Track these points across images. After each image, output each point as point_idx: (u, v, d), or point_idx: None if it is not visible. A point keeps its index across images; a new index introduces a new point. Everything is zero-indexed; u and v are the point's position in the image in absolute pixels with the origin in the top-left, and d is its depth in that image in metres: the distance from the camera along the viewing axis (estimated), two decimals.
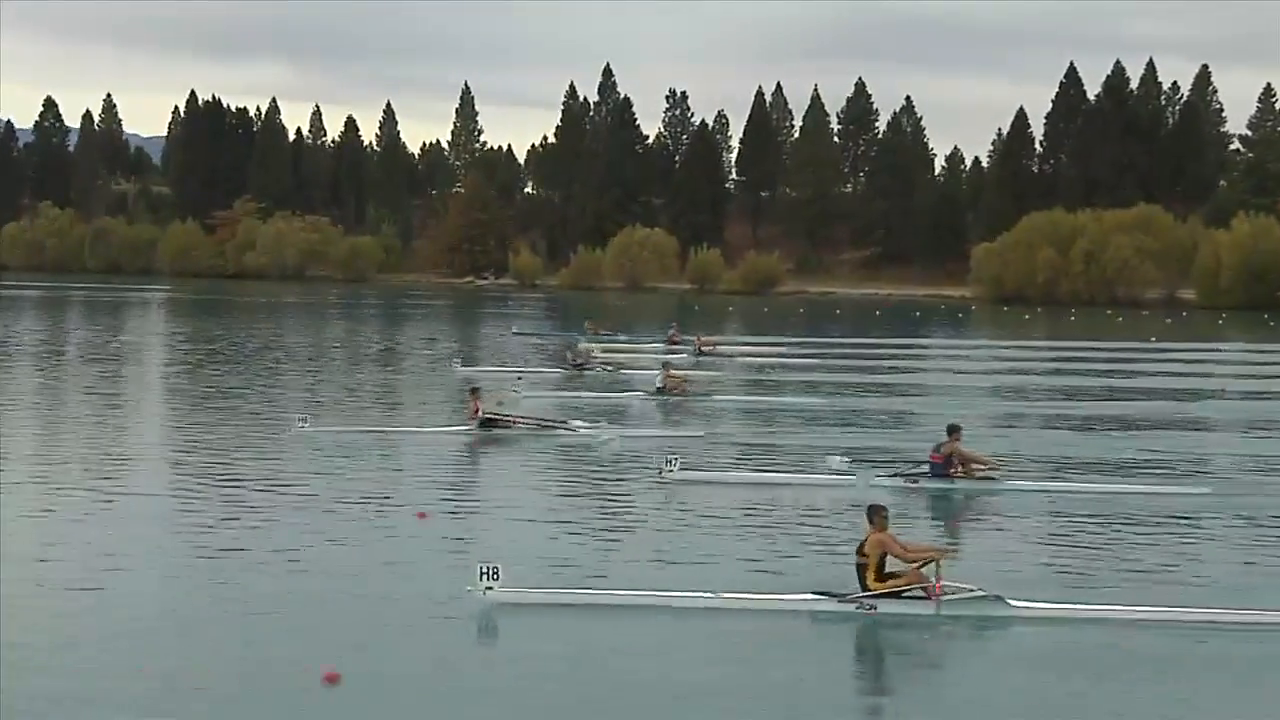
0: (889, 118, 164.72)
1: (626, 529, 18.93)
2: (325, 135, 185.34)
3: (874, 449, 26.23)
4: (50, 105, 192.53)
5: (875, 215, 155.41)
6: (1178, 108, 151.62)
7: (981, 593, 14.26)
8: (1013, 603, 14.23)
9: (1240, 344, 68.70)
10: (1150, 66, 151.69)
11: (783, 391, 39.28)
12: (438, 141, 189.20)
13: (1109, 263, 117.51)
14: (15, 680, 11.68)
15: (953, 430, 22.61)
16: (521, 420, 28.47)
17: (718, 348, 53.50)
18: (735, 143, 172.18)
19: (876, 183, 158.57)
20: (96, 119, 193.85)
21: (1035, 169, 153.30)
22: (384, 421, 30.37)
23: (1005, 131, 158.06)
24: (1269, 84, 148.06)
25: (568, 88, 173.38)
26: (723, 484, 22.30)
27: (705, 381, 40.20)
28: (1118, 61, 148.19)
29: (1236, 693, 12.42)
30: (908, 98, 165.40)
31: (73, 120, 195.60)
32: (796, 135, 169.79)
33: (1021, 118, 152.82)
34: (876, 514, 14.75)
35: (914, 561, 14.45)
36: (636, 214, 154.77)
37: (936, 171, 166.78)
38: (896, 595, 14.30)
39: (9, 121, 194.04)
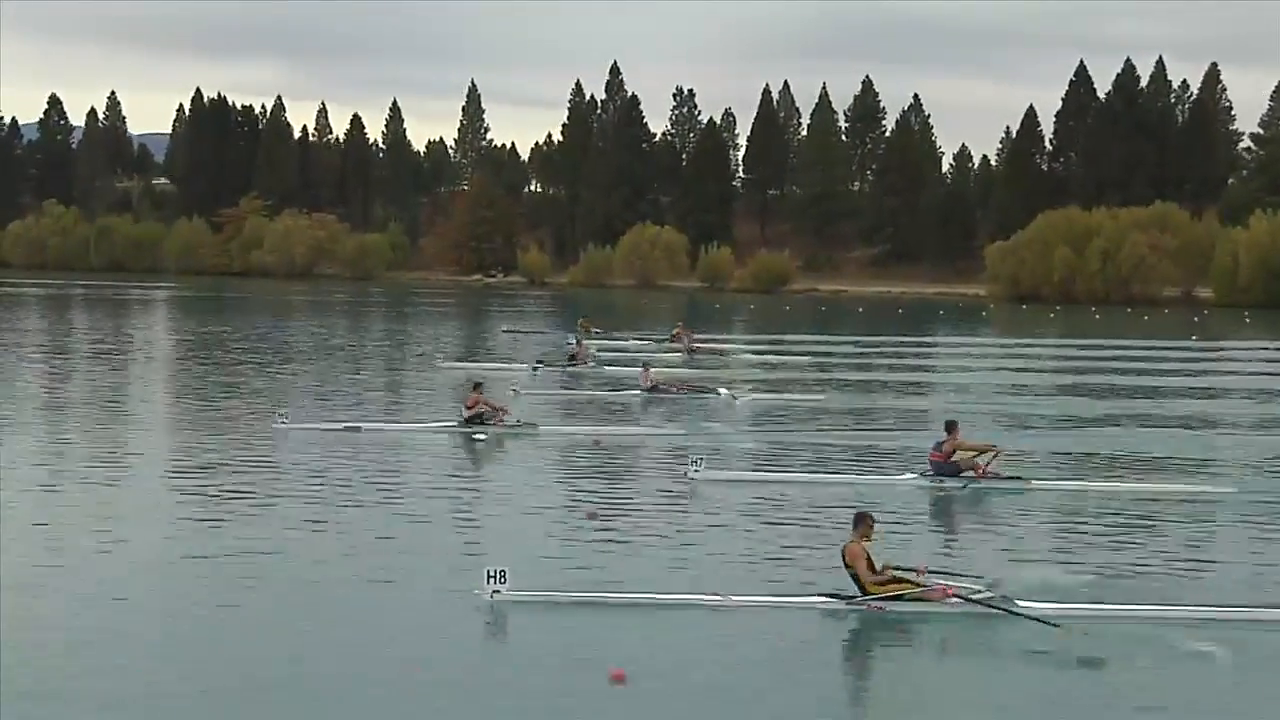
0: (896, 116, 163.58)
1: (638, 529, 18.52)
2: (331, 133, 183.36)
3: (919, 450, 24.77)
4: (55, 103, 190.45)
5: (884, 213, 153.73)
6: (1187, 106, 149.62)
7: (989, 594, 14.16)
8: (1021, 604, 14.08)
9: None
10: (1159, 65, 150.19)
11: (785, 391, 38.40)
12: (441, 140, 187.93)
13: (1125, 261, 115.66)
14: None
15: (951, 427, 22.34)
16: (504, 418, 27.64)
17: (708, 345, 53.08)
18: (742, 141, 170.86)
19: (885, 181, 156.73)
20: (101, 117, 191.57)
21: (1045, 168, 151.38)
22: (367, 417, 29.33)
23: (1013, 131, 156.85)
24: None
25: (574, 86, 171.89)
26: (747, 483, 21.86)
27: (703, 379, 39.43)
28: (1128, 60, 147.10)
29: (1250, 690, 12.27)
30: (915, 96, 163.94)
31: (77, 118, 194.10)
32: (804, 134, 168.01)
33: (1031, 116, 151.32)
34: (861, 522, 14.54)
35: (872, 582, 14.16)
36: (644, 212, 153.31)
37: (944, 170, 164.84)
38: (904, 598, 14.15)
39: (13, 119, 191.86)
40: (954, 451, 21.92)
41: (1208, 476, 23.73)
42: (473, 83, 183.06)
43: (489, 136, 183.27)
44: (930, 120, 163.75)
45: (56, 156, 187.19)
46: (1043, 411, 34.10)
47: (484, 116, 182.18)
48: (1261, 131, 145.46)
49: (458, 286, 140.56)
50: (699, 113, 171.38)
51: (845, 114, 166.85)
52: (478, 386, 28.39)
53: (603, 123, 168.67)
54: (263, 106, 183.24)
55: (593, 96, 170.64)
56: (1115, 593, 15.04)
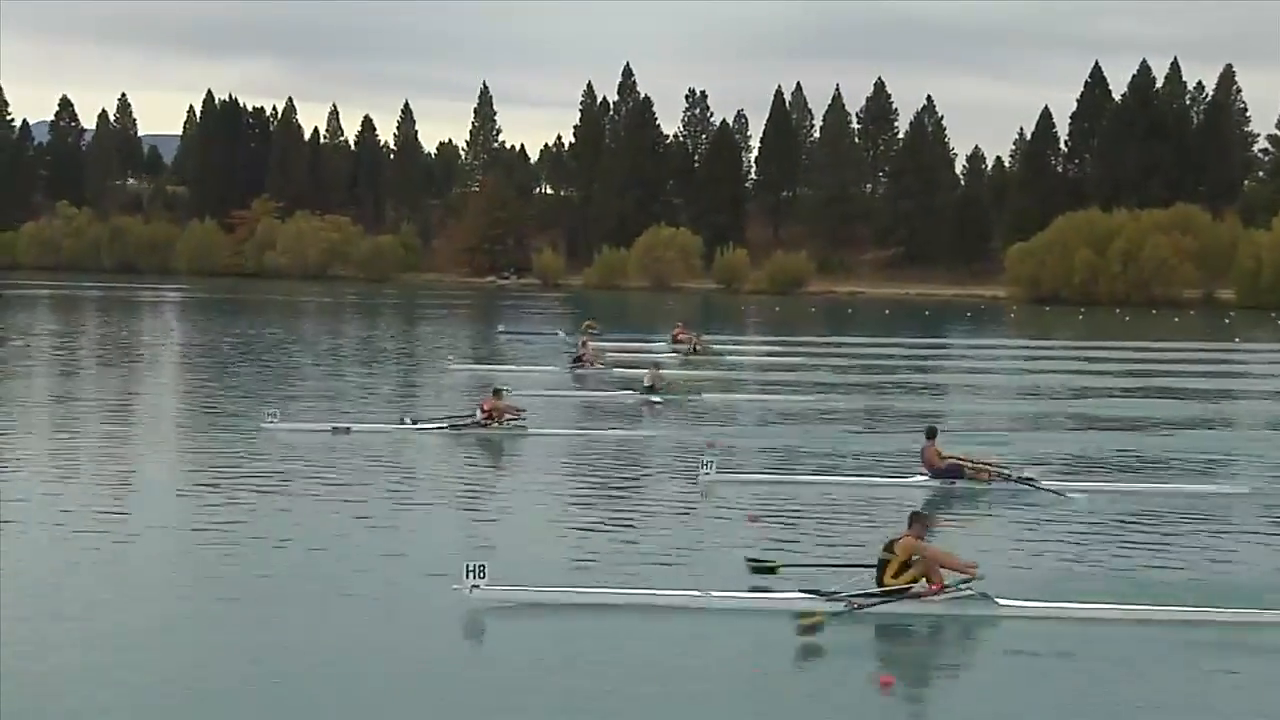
0: (909, 118, 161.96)
1: (637, 526, 18.39)
2: (342, 135, 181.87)
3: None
4: (65, 104, 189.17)
5: (898, 215, 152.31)
6: (1202, 108, 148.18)
7: (969, 592, 14.03)
8: (1000, 602, 13.99)
9: None
10: (1174, 66, 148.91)
11: (785, 391, 37.86)
12: (450, 141, 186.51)
13: (1147, 263, 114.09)
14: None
15: (931, 433, 22.26)
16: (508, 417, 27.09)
17: (711, 346, 52.32)
18: (754, 142, 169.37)
19: (900, 183, 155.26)
20: (112, 118, 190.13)
21: (1060, 169, 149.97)
22: (359, 417, 28.77)
23: (1026, 132, 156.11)
24: None
25: (585, 88, 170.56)
26: (758, 484, 21.55)
27: (699, 380, 38.93)
28: (1144, 61, 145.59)
29: (1244, 691, 12.08)
30: (929, 97, 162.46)
31: (87, 119, 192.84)
32: (816, 135, 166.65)
33: (1046, 118, 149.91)
34: (918, 521, 14.57)
35: (949, 568, 14.16)
36: (657, 214, 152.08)
37: (957, 171, 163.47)
38: (885, 594, 14.04)
39: (24, 121, 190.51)
40: (935, 457, 21.72)
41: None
42: (484, 84, 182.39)
43: (501, 138, 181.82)
44: (944, 122, 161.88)
45: (67, 157, 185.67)
46: (1127, 414, 33.20)
47: (495, 118, 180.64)
48: (1278, 132, 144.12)
49: (471, 288, 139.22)
50: (711, 114, 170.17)
51: (858, 115, 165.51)
52: (498, 393, 27.83)
53: (615, 124, 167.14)
54: (274, 108, 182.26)
55: (605, 98, 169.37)
56: (1105, 593, 14.66)
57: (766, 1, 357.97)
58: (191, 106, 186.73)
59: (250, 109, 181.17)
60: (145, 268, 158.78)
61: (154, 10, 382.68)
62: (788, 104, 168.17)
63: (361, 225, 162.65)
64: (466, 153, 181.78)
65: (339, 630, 13.16)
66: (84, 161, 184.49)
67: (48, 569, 15.38)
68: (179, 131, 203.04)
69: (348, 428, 26.35)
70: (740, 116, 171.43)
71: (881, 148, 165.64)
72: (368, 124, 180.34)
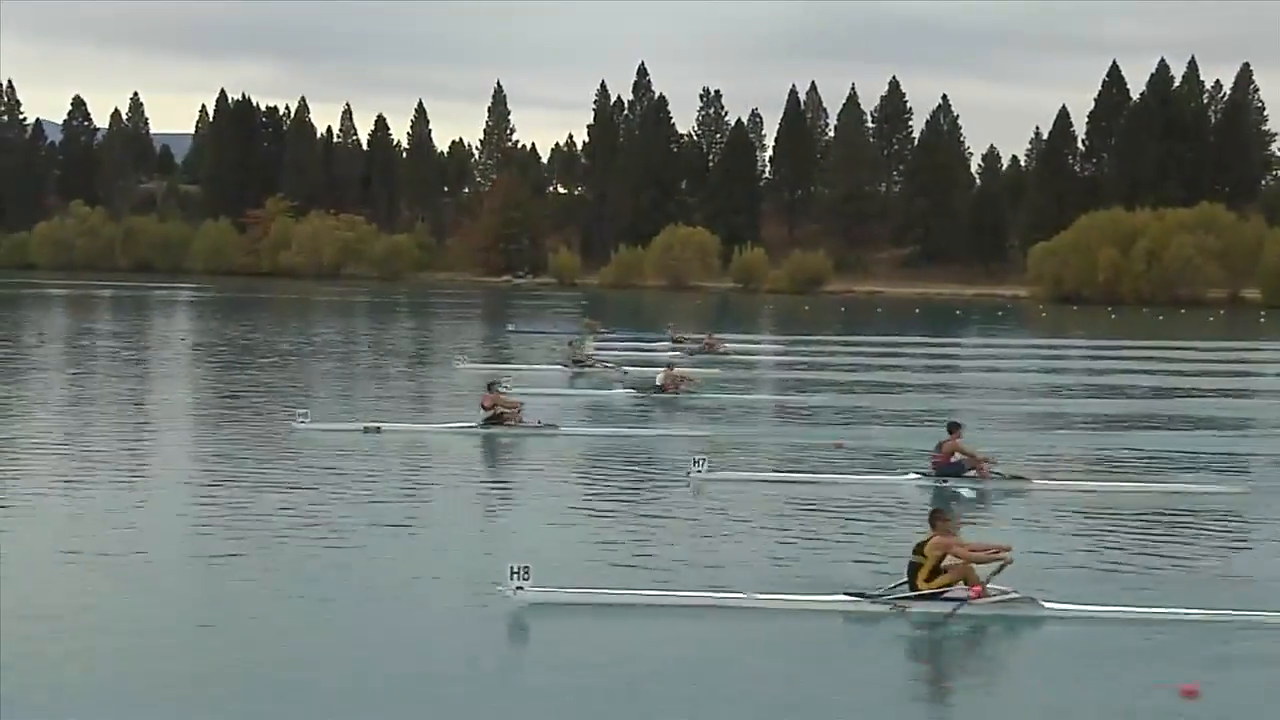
0: (925, 117, 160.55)
1: (654, 528, 18.07)
2: (355, 134, 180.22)
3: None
4: (79, 104, 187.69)
5: (914, 214, 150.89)
6: (1220, 107, 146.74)
7: (1015, 594, 13.80)
8: (1046, 604, 13.77)
9: None
10: (1192, 65, 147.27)
11: (785, 390, 37.79)
12: (461, 140, 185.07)
13: (1171, 262, 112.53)
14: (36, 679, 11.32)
15: (953, 428, 21.89)
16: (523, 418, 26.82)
17: (723, 345, 51.01)
18: (768, 142, 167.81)
19: (916, 182, 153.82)
20: (124, 118, 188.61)
21: (1078, 169, 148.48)
22: (389, 417, 28.45)
23: (1042, 131, 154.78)
24: None
25: (599, 87, 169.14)
26: (751, 483, 21.39)
27: (711, 380, 38.21)
28: (1161, 60, 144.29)
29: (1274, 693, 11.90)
30: (944, 96, 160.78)
31: (99, 119, 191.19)
32: (830, 134, 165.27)
33: (1064, 117, 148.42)
34: (938, 518, 14.36)
35: (979, 561, 13.96)
36: (672, 213, 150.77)
37: (973, 171, 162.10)
38: (929, 596, 13.82)
39: (37, 120, 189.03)
40: (953, 452, 21.42)
41: None
42: (498, 84, 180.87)
43: (515, 138, 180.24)
44: (959, 121, 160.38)
45: (81, 157, 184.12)
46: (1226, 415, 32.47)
47: (509, 118, 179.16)
48: None
49: (486, 288, 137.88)
50: (726, 113, 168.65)
51: (872, 115, 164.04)
52: (491, 386, 27.87)
53: (629, 123, 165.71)
54: (286, 107, 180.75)
55: (619, 97, 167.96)
56: (1142, 594, 14.50)
57: (778, 2, 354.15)
58: (204, 106, 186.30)
59: (263, 109, 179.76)
60: (160, 267, 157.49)
61: (163, 10, 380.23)
62: (802, 103, 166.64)
63: (375, 225, 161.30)
64: (481, 151, 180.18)
65: (384, 630, 12.99)
66: (97, 161, 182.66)
67: (91, 573, 15.00)
68: (188, 130, 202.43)
69: (378, 427, 26.27)
70: (755, 116, 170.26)
71: (896, 147, 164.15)
72: (381, 123, 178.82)
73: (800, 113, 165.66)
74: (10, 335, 54.98)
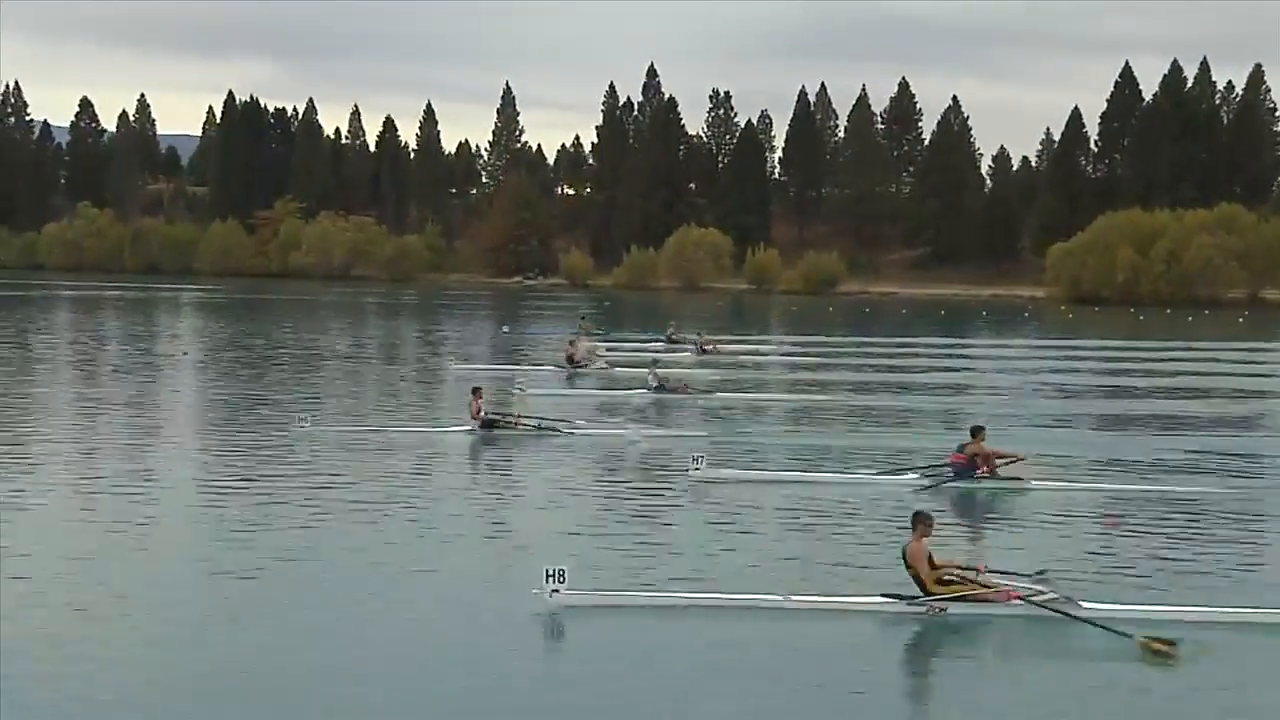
0: (934, 118, 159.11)
1: (672, 529, 17.88)
2: (363, 135, 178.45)
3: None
4: (86, 105, 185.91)
5: (925, 215, 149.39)
6: (1232, 107, 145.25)
7: (1053, 595, 13.77)
8: (1084, 605, 13.65)
9: None
10: (1204, 66, 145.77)
11: (783, 390, 37.59)
12: (466, 142, 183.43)
13: (1191, 263, 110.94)
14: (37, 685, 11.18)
15: (976, 431, 21.53)
16: (522, 420, 26.98)
17: (718, 347, 50.40)
18: (779, 142, 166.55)
19: (927, 183, 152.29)
20: (132, 119, 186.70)
21: (1090, 170, 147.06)
22: (389, 420, 28.47)
23: (1053, 133, 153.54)
24: None
25: (607, 88, 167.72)
26: (750, 482, 21.15)
27: (707, 380, 38.07)
28: (1174, 61, 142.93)
29: None
30: (954, 97, 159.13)
31: (106, 120, 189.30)
32: (840, 135, 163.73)
33: (1076, 118, 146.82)
34: (920, 521, 14.12)
35: (939, 580, 13.81)
36: (682, 214, 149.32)
37: (983, 172, 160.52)
38: (967, 599, 13.73)
39: (45, 122, 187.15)
40: (974, 455, 21.13)
41: None
42: (507, 84, 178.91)
43: (524, 139, 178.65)
44: (969, 122, 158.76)
45: (88, 159, 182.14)
46: None
47: (518, 119, 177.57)
48: None
49: (496, 289, 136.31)
50: (735, 114, 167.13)
51: (881, 116, 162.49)
52: (477, 391, 27.27)
53: (639, 124, 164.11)
54: (294, 109, 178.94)
55: (629, 98, 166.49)
56: (1172, 594, 14.40)
57: (786, 2, 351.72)
58: (211, 107, 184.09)
59: (271, 110, 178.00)
60: (168, 269, 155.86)
61: (168, 11, 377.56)
62: (811, 104, 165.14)
63: (384, 226, 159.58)
64: (489, 152, 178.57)
65: (421, 633, 12.91)
66: (105, 162, 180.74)
67: (106, 575, 14.79)
68: (193, 131, 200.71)
69: (376, 430, 26.15)
70: (764, 116, 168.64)
71: (905, 148, 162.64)
72: (389, 124, 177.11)
73: (810, 113, 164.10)
74: (24, 336, 54.45)
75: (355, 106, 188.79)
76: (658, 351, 47.07)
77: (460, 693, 11.31)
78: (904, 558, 14.00)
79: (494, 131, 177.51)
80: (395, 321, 76.85)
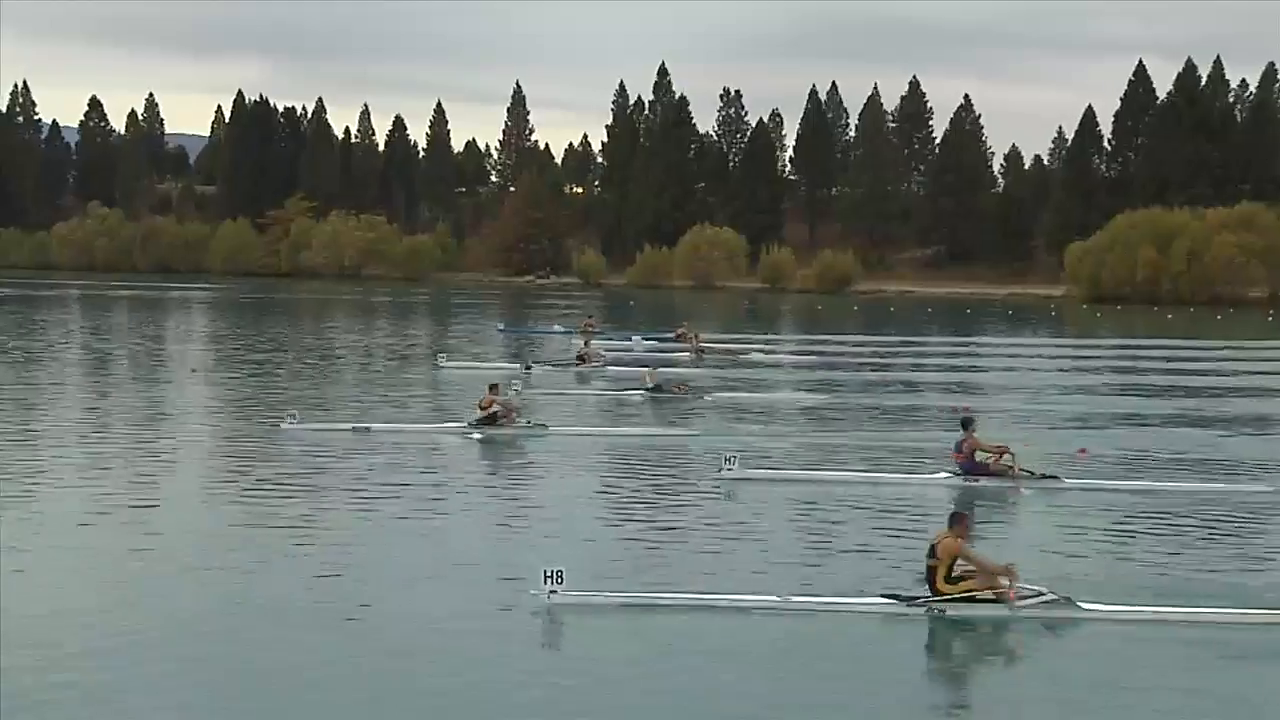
0: (943, 117, 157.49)
1: (681, 528, 17.72)
2: (373, 134, 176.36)
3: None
4: (95, 105, 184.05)
5: (939, 214, 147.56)
6: (1246, 105, 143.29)
7: (1052, 596, 13.65)
8: (1083, 605, 13.58)
9: None
10: (1217, 64, 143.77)
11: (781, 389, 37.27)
12: (474, 141, 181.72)
13: (1213, 262, 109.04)
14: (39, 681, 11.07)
15: (966, 424, 21.53)
16: (516, 418, 26.52)
17: (716, 346, 49.98)
18: (789, 142, 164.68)
19: (941, 182, 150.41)
20: (140, 119, 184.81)
21: (1104, 169, 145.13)
22: (377, 417, 27.84)
23: (1063, 131, 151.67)
24: None
25: (617, 88, 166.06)
26: (781, 482, 20.90)
27: (704, 380, 38.08)
28: (1189, 60, 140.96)
29: None
30: (966, 96, 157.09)
31: (115, 120, 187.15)
32: (851, 135, 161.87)
33: (1090, 117, 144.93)
34: (958, 521, 14.12)
35: (983, 573, 13.75)
36: (693, 213, 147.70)
37: (995, 171, 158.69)
38: (967, 599, 13.59)
39: (54, 121, 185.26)
40: (974, 450, 21.01)
41: None
42: (517, 84, 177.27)
43: (534, 138, 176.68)
44: (981, 120, 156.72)
45: (98, 158, 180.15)
46: None
47: (529, 118, 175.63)
48: None
49: (510, 288, 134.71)
50: (746, 114, 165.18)
51: (892, 115, 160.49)
52: (494, 387, 27.13)
53: (649, 123, 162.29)
54: (303, 108, 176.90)
55: (640, 97, 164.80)
56: (1175, 596, 14.23)
57: (793, 2, 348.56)
58: (219, 107, 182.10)
59: (281, 109, 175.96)
60: (179, 268, 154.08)
61: (176, 11, 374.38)
62: (823, 104, 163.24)
63: (394, 225, 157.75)
64: (500, 152, 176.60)
65: (417, 633, 12.73)
66: (114, 162, 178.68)
67: (88, 578, 14.55)
68: (199, 131, 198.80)
69: (367, 427, 25.69)
70: (775, 116, 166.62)
71: (916, 147, 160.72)
72: (399, 123, 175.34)
73: (821, 112, 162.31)
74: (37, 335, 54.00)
75: (365, 105, 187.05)
76: (661, 351, 46.79)
77: (455, 692, 11.12)
78: (932, 551, 13.84)
79: (504, 130, 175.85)
80: (408, 320, 75.88)
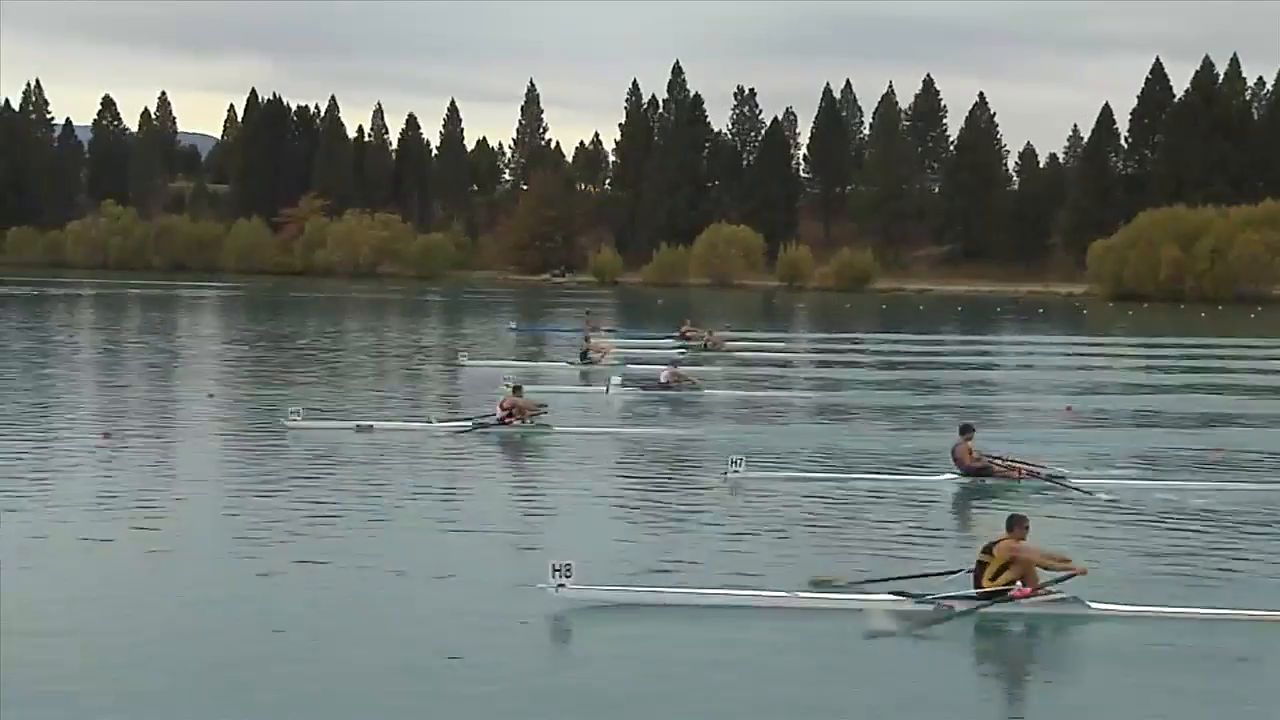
0: (960, 116, 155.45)
1: (686, 525, 17.60)
2: (387, 133, 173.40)
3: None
4: (108, 103, 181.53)
5: (955, 212, 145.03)
6: (1262, 104, 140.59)
7: (1060, 594, 13.31)
8: (1091, 605, 13.25)
9: None
10: (1234, 63, 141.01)
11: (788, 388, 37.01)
12: (485, 140, 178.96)
13: (1237, 259, 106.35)
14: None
15: (964, 430, 21.28)
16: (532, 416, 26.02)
17: (727, 344, 48.73)
18: (803, 140, 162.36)
19: (956, 179, 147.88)
20: (153, 117, 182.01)
21: (1121, 167, 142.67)
22: (385, 416, 27.49)
23: (1079, 129, 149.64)
24: None
25: (630, 86, 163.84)
26: (787, 481, 20.44)
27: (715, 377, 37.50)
28: (1206, 58, 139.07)
29: None
30: (980, 94, 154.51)
31: (129, 119, 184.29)
32: (865, 133, 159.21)
33: (1107, 115, 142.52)
34: (1017, 524, 13.76)
35: (1048, 568, 13.37)
36: (707, 211, 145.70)
37: (1010, 169, 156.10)
38: (974, 597, 13.36)
39: (68, 120, 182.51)
40: (966, 455, 20.69)
41: None
42: (531, 83, 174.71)
43: (547, 137, 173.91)
44: (996, 119, 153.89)
45: (111, 157, 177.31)
46: None
47: (542, 117, 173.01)
48: None
49: (525, 286, 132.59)
50: (760, 112, 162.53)
51: (905, 113, 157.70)
52: (517, 390, 26.63)
53: (663, 121, 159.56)
54: (315, 107, 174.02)
55: (654, 95, 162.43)
56: (1183, 594, 13.96)
57: (804, 2, 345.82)
58: (231, 106, 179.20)
59: (294, 108, 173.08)
60: (193, 266, 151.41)
61: (187, 10, 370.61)
62: (837, 102, 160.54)
63: (408, 223, 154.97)
64: (513, 150, 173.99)
65: (425, 628, 12.54)
66: (127, 160, 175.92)
67: (99, 575, 14.39)
68: (208, 131, 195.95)
69: (370, 425, 25.26)
70: (789, 114, 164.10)
71: (930, 145, 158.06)
72: (411, 122, 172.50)
73: (835, 110, 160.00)
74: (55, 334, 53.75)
75: (378, 104, 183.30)
76: (669, 349, 46.28)
77: (463, 687, 10.96)
78: (988, 549, 13.58)
79: (518, 129, 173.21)
80: (421, 319, 74.48)
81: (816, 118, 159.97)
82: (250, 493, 18.95)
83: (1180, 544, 16.80)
